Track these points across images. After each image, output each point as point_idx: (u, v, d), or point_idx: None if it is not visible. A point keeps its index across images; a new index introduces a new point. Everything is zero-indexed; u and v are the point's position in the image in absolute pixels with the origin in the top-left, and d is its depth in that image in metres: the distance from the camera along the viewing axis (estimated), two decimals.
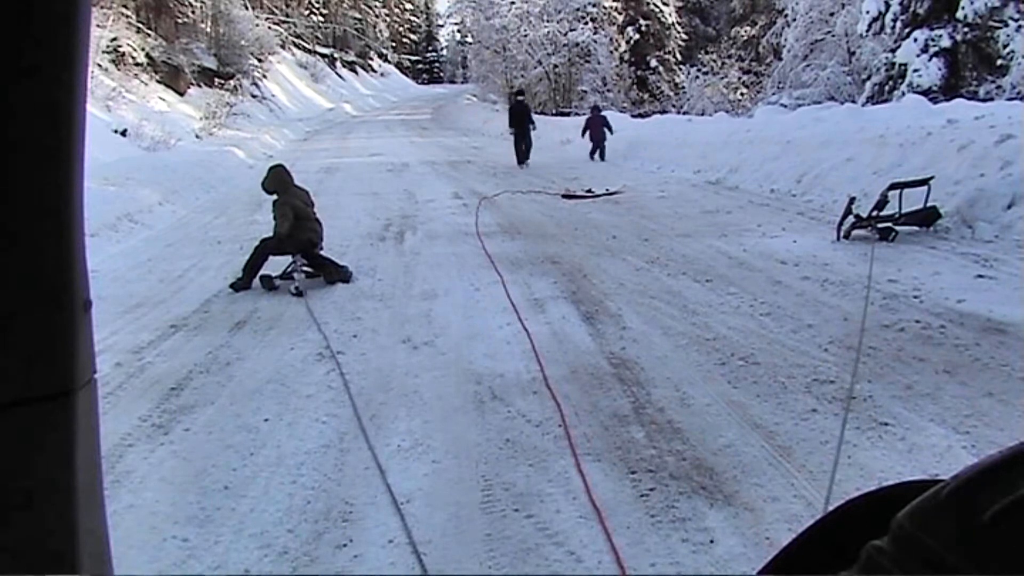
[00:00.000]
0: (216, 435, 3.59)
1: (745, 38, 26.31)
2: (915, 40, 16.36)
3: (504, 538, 2.69)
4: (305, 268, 6.29)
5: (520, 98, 16.54)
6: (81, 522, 0.53)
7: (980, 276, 5.65)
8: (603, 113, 16.30)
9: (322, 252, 6.42)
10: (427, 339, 4.84)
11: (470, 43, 35.14)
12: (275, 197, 6.33)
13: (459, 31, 47.57)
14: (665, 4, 27.83)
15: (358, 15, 48.66)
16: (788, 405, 3.65)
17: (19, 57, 0.47)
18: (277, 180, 6.35)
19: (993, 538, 0.29)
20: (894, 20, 16.69)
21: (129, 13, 20.69)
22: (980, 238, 6.77)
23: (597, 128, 15.59)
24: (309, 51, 39.29)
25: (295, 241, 6.25)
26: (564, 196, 10.53)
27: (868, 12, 17.17)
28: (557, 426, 3.53)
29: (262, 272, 6.21)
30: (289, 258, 6.29)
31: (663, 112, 22.02)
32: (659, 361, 4.28)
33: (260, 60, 28.91)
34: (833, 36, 19.72)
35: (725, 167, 11.32)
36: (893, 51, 17.07)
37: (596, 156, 15.54)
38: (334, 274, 6.29)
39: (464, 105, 31.86)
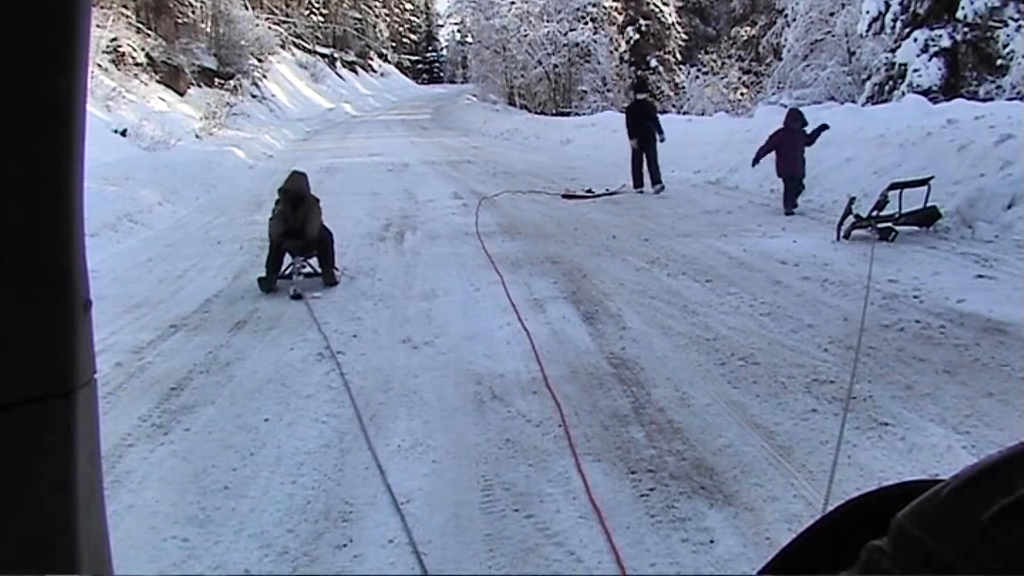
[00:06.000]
0: (216, 435, 3.59)
1: (745, 38, 26.28)
2: (915, 40, 16.34)
3: (504, 538, 2.69)
4: (304, 270, 6.26)
5: (641, 96, 11.74)
6: (81, 522, 0.53)
7: (980, 276, 5.65)
8: (804, 123, 8.77)
9: (331, 253, 6.37)
10: (427, 339, 4.84)
11: (470, 43, 35.06)
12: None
13: (459, 31, 47.52)
14: (665, 4, 27.81)
15: (358, 15, 48.63)
16: (788, 405, 3.65)
17: (19, 57, 0.47)
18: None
19: (993, 538, 0.29)
20: (894, 20, 16.67)
21: (129, 13, 20.67)
22: (980, 238, 6.77)
23: (792, 150, 8.56)
24: (309, 51, 39.26)
25: (293, 244, 6.21)
26: (564, 196, 10.52)
27: (868, 12, 17.15)
28: (557, 426, 3.53)
29: (259, 276, 6.18)
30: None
31: (663, 112, 21.96)
32: (659, 361, 4.28)
33: (260, 60, 28.88)
34: (833, 36, 19.70)
35: (725, 167, 11.31)
36: (893, 51, 17.05)
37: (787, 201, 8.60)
38: (330, 277, 6.26)
39: (464, 105, 31.84)
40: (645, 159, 10.80)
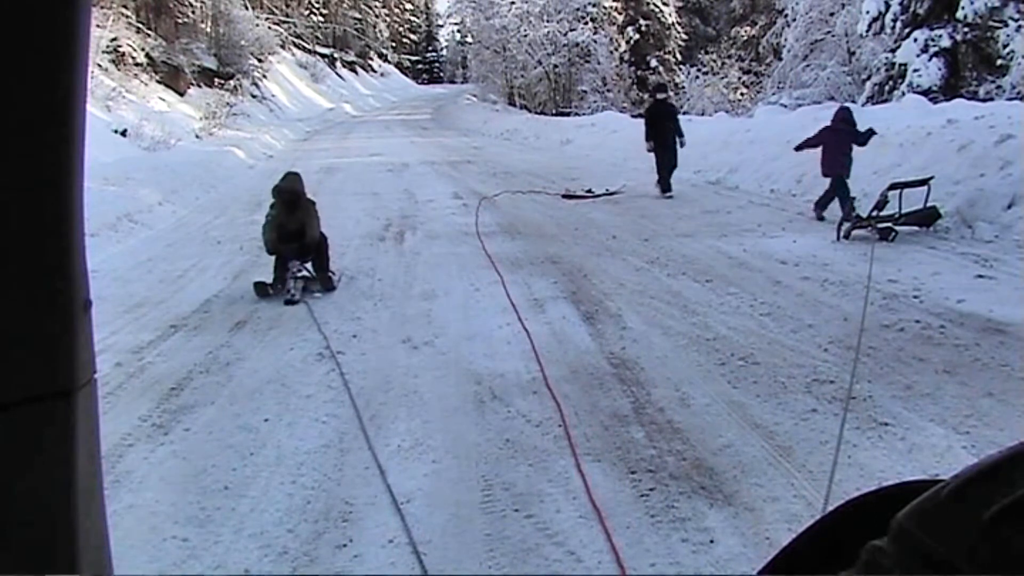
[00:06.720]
0: (216, 435, 3.59)
1: (745, 38, 26.29)
2: (915, 40, 16.34)
3: (504, 538, 2.69)
4: (301, 274, 6.15)
5: (662, 96, 11.32)
6: (81, 522, 0.53)
7: (980, 276, 5.65)
8: (853, 123, 8.13)
9: (325, 257, 6.29)
10: (427, 339, 4.84)
11: (470, 43, 35.05)
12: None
13: (459, 31, 47.49)
14: (665, 4, 27.82)
15: (358, 15, 48.62)
16: (788, 405, 3.65)
17: (19, 57, 0.47)
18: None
19: (993, 538, 0.29)
20: (894, 20, 16.66)
21: (129, 13, 20.67)
22: (980, 238, 6.77)
23: (837, 150, 7.96)
24: (309, 51, 39.25)
25: (289, 248, 6.11)
26: (564, 196, 10.52)
27: (868, 12, 17.14)
28: (557, 426, 3.53)
29: (257, 279, 6.09)
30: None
31: None
32: (659, 361, 4.28)
33: (260, 60, 28.87)
34: (833, 36, 19.70)
35: (725, 167, 11.32)
36: (893, 51, 17.05)
37: (822, 209, 8.08)
38: (327, 282, 6.20)
39: (464, 105, 31.85)
40: (669, 163, 10.34)
